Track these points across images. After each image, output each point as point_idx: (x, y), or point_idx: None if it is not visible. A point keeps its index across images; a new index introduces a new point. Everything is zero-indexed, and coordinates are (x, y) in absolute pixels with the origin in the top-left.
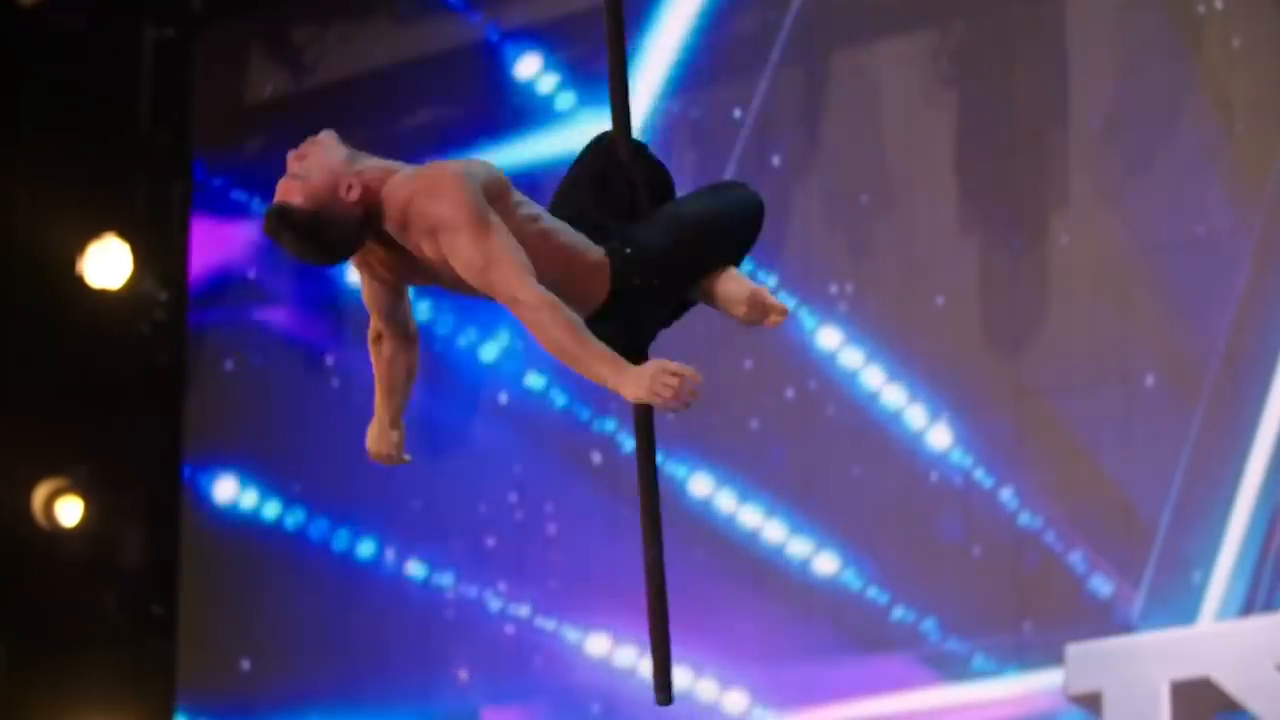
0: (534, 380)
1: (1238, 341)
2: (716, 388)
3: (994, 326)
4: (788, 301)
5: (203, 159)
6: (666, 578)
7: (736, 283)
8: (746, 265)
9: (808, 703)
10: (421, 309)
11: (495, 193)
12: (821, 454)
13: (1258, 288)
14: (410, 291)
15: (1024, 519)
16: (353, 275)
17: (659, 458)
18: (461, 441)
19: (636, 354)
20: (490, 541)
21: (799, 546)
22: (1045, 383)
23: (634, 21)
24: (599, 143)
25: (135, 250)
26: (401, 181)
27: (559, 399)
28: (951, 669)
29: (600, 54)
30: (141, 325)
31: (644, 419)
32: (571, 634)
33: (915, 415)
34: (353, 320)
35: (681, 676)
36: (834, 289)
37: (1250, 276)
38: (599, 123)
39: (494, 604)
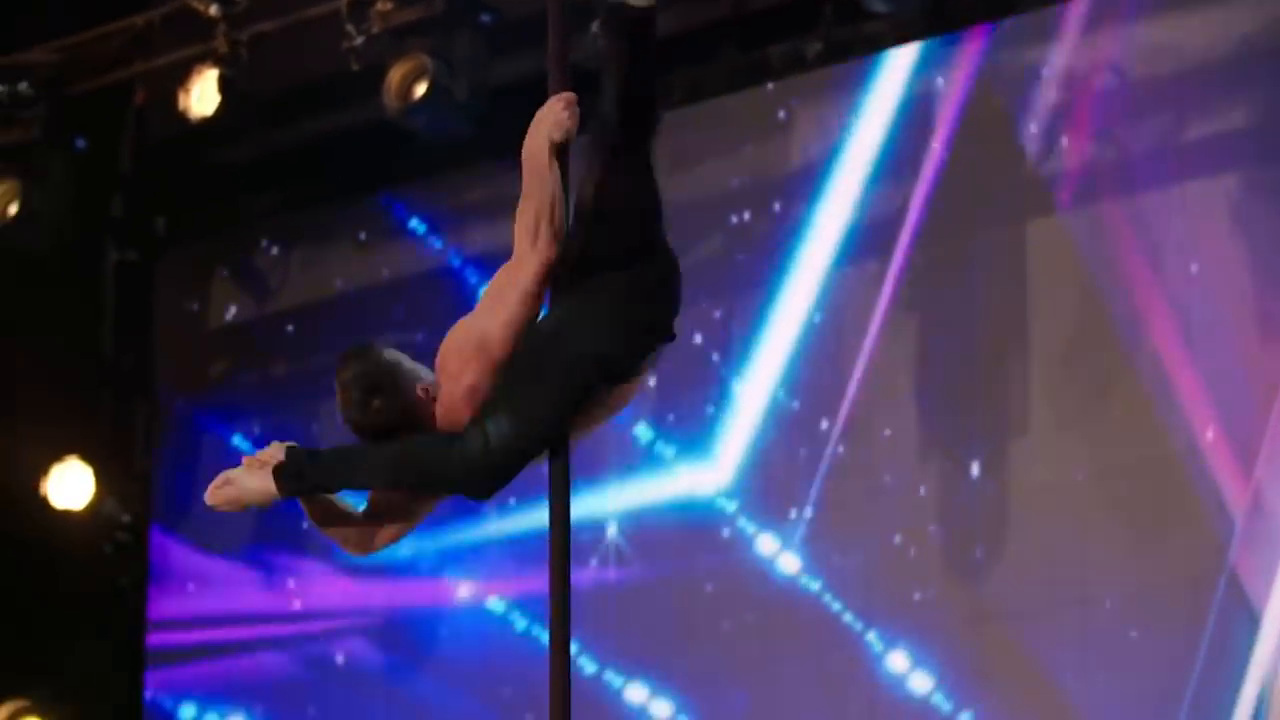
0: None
1: (1197, 564)
2: (677, 612)
3: (953, 551)
4: (748, 526)
5: (166, 381)
6: None
7: None
8: (710, 486)
9: None
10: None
11: None
12: (782, 677)
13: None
14: None
15: None
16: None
17: (619, 681)
18: (424, 658)
19: None
20: None
21: None
22: (1004, 607)
23: None
24: None
25: (98, 472)
26: None
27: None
28: None
29: None
30: (104, 546)
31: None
32: None
33: (875, 638)
34: (312, 546)
35: None
36: (794, 514)
37: (1205, 499)
38: None
39: None
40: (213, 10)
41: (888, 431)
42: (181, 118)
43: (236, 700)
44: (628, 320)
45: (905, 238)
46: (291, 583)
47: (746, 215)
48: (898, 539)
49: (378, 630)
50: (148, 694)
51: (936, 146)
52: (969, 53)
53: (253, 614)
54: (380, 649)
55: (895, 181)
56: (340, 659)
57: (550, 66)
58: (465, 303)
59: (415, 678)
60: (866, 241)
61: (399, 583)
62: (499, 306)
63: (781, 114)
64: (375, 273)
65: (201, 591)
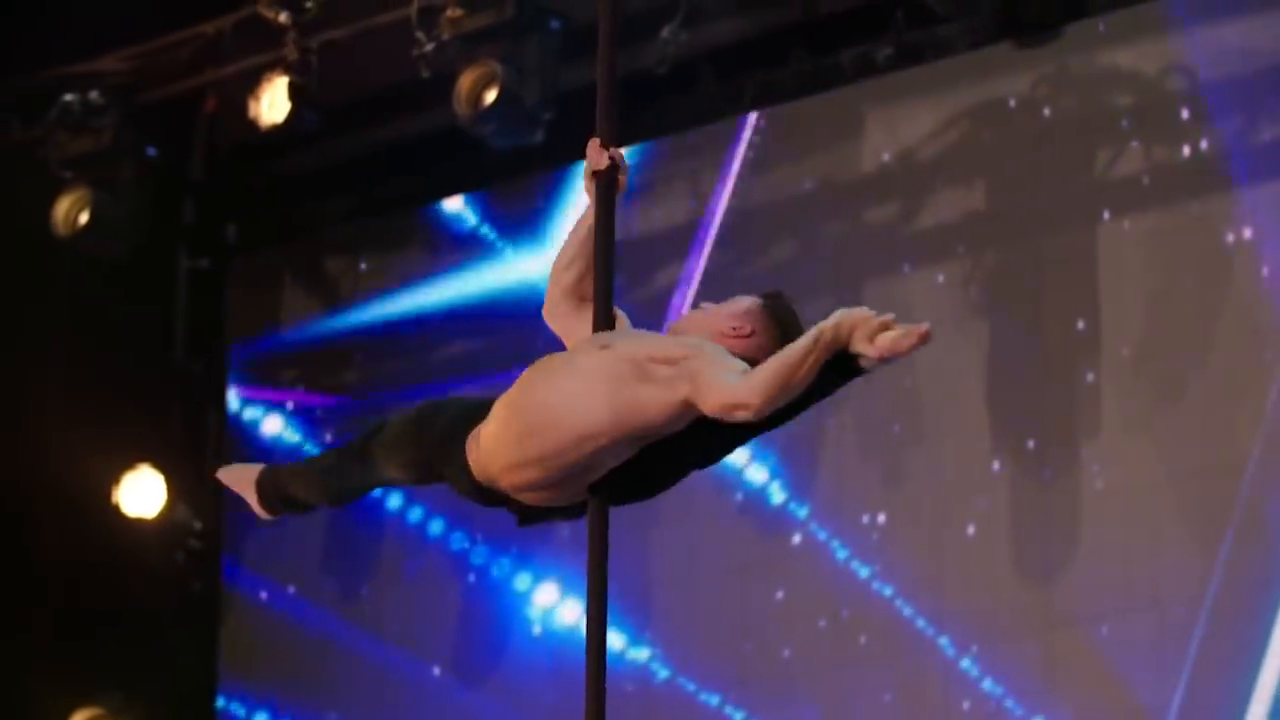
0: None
1: (1270, 568)
2: (749, 617)
3: (1024, 555)
4: (820, 532)
5: (237, 389)
6: None
7: None
8: (780, 493)
9: None
10: (456, 538)
11: None
12: (853, 683)
13: None
14: None
15: None
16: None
17: (692, 687)
18: (495, 671)
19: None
20: None
21: None
22: (1076, 611)
23: (672, 245)
24: None
25: (169, 480)
26: None
27: None
28: None
29: (634, 286)
30: (176, 554)
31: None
32: None
33: (947, 644)
34: (387, 552)
35: None
36: (866, 519)
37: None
38: None
39: None
40: (283, 18)
41: (958, 436)
42: (252, 125)
43: (311, 710)
44: None
45: (974, 241)
46: (364, 589)
47: (818, 221)
48: (969, 544)
49: (453, 647)
50: (220, 701)
51: (1005, 151)
52: (1038, 57)
53: (327, 619)
54: (455, 670)
55: (964, 185)
56: (423, 669)
57: (600, 80)
58: (535, 309)
59: (490, 703)
60: (936, 245)
61: (475, 599)
62: None
63: (853, 119)
64: (445, 280)
65: (274, 596)
